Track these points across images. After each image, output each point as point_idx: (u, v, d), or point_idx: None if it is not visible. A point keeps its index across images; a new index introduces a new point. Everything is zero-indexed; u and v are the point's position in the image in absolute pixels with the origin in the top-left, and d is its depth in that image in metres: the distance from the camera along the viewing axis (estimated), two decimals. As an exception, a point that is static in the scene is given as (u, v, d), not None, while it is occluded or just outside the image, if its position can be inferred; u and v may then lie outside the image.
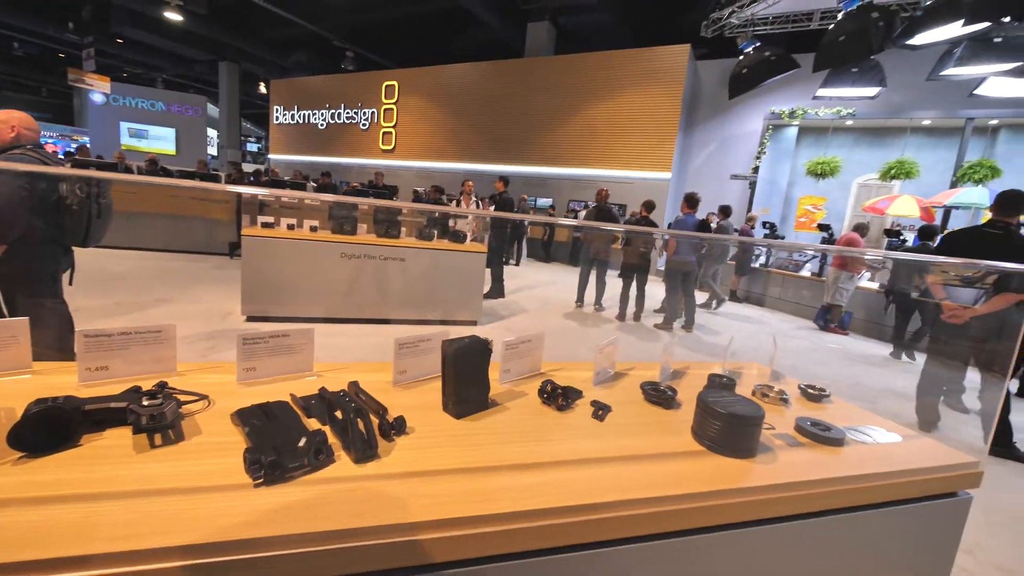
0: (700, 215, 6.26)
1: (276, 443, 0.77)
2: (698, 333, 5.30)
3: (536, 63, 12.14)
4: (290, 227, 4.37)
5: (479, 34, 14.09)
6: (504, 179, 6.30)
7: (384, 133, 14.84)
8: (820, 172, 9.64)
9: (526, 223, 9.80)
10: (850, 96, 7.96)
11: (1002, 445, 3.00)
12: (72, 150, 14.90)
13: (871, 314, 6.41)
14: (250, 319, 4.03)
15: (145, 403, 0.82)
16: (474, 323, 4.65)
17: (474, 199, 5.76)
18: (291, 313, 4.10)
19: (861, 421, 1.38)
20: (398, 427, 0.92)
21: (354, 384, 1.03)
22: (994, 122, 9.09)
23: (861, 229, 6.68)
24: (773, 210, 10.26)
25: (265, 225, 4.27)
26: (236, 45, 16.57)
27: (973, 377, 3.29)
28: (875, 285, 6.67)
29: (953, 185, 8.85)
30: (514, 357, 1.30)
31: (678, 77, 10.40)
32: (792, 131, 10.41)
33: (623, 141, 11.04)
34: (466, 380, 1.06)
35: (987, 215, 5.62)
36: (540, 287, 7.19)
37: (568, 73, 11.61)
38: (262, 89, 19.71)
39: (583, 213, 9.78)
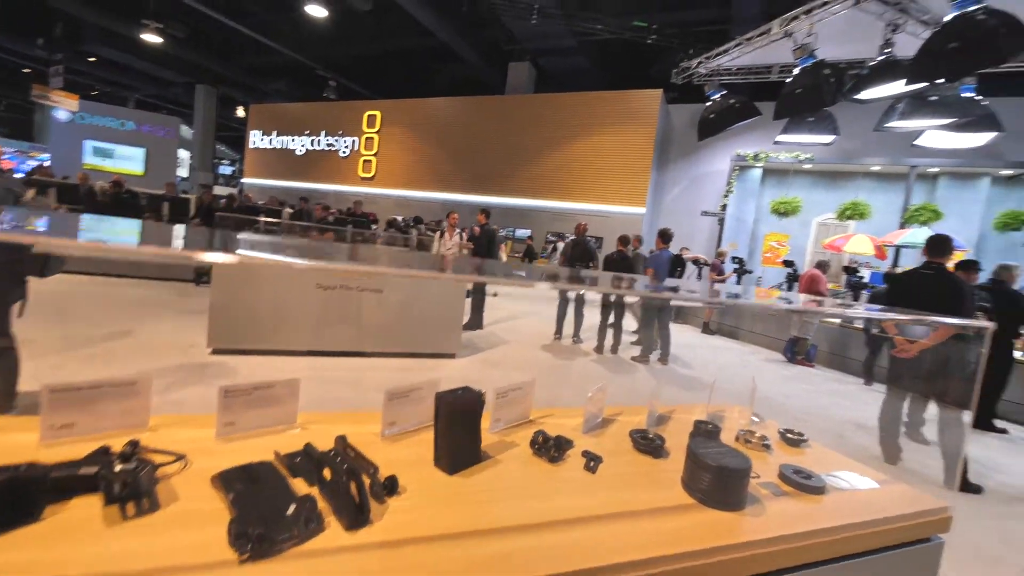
0: (674, 249, 6.48)
1: (263, 512, 0.73)
2: (674, 366, 5.38)
3: (517, 100, 12.59)
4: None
5: (462, 70, 14.53)
6: (486, 211, 6.35)
7: (364, 161, 14.88)
8: (783, 211, 10.16)
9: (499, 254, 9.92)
10: (807, 143, 8.51)
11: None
12: (31, 168, 14.27)
13: (835, 347, 6.66)
14: (217, 352, 3.85)
15: (118, 468, 0.77)
16: (452, 356, 4.59)
17: (458, 232, 5.79)
18: (263, 346, 3.95)
19: (837, 466, 1.42)
20: (390, 487, 0.88)
21: (342, 439, 0.99)
22: (935, 169, 9.85)
23: (822, 266, 7.03)
24: (741, 245, 10.69)
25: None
26: (215, 69, 16.50)
27: (932, 409, 3.43)
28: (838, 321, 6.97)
29: (901, 226, 9.46)
30: (505, 406, 1.28)
31: (651, 119, 10.93)
32: (757, 172, 10.99)
33: (600, 176, 11.43)
34: (459, 434, 1.04)
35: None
36: (518, 318, 7.20)
37: (548, 111, 12.06)
38: (240, 112, 19.57)
39: (560, 245, 9.91)
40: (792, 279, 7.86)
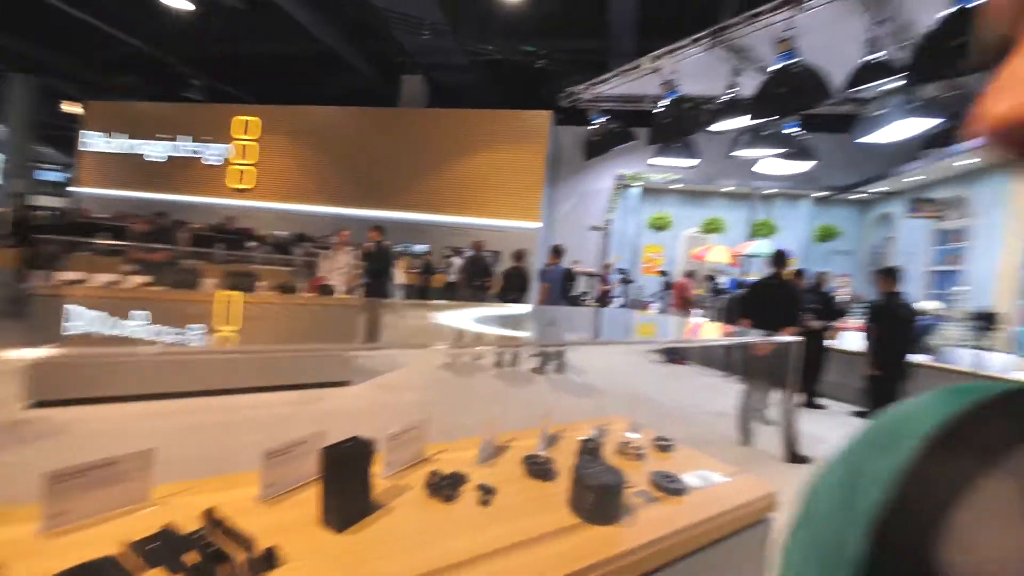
0: (566, 263, 6.89)
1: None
2: (569, 375, 5.68)
3: (412, 114, 12.44)
4: (109, 284, 3.65)
5: (353, 79, 13.96)
6: (380, 227, 6.10)
7: (238, 171, 13.48)
8: (658, 226, 11.37)
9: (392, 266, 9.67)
10: (675, 165, 9.65)
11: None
12: None
13: (705, 347, 7.58)
14: (38, 405, 3.11)
15: None
16: (346, 383, 4.34)
17: (350, 250, 5.47)
18: (100, 391, 3.27)
19: (698, 465, 1.63)
20: (268, 562, 0.83)
21: (209, 513, 0.90)
22: (771, 190, 11.80)
23: (690, 275, 8.00)
24: (625, 258, 11.71)
25: (70, 283, 3.50)
26: (38, 57, 13.79)
27: (775, 395, 4.08)
28: (705, 320, 7.95)
29: (750, 238, 11.14)
30: (397, 448, 1.26)
31: (542, 138, 11.54)
32: (636, 190, 12.16)
33: (496, 192, 11.72)
34: (348, 488, 1.00)
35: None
36: (417, 337, 7.05)
37: (443, 125, 12.09)
38: (69, 109, 16.41)
39: (457, 260, 9.84)
40: (667, 286, 8.80)
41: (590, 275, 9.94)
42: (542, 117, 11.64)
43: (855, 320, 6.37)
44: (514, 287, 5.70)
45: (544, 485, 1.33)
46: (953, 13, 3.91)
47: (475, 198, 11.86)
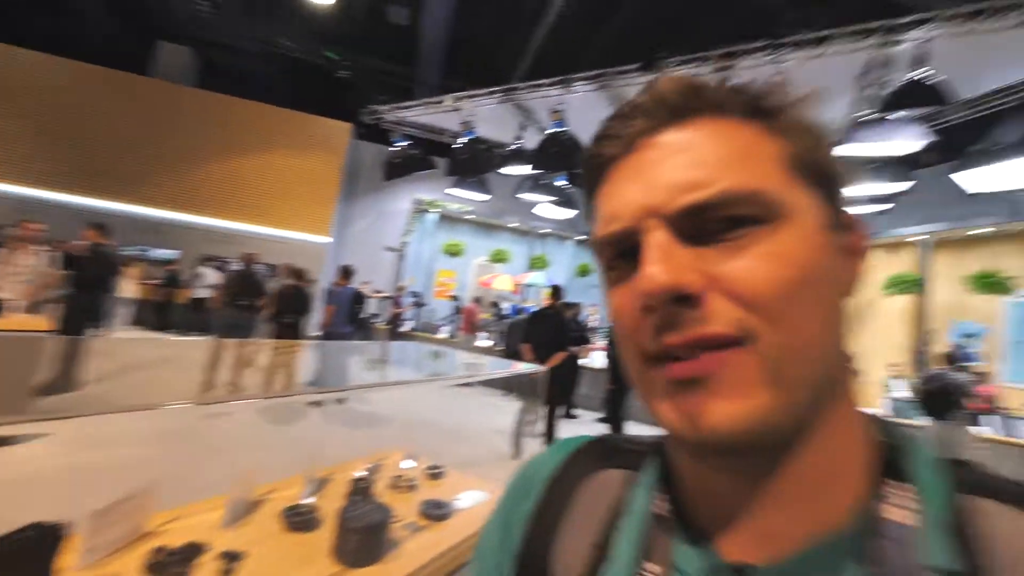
0: (355, 284, 6.60)
1: None
2: (352, 404, 5.39)
3: (170, 89, 10.12)
4: None
5: (77, 24, 10.64)
6: (100, 226, 4.51)
7: None
8: (452, 252, 12.01)
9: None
10: (470, 198, 10.45)
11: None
12: None
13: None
14: None
15: None
16: (27, 439, 3.14)
17: (43, 251, 3.96)
18: None
19: (467, 487, 1.79)
20: None
21: None
22: (547, 230, 13.87)
23: (478, 300, 8.68)
24: (418, 280, 11.93)
25: None
26: None
27: (543, 410, 4.73)
28: (491, 343, 8.70)
29: (529, 270, 12.79)
30: (104, 528, 1.01)
31: (340, 149, 10.94)
32: (434, 216, 12.60)
33: (279, 198, 10.49)
34: (11, 598, 0.76)
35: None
36: (150, 368, 5.63)
37: (215, 112, 10.23)
38: None
39: (212, 273, 8.01)
40: (457, 311, 9.33)
41: (382, 297, 9.77)
42: (341, 128, 11.08)
43: (601, 342, 7.95)
44: (290, 308, 5.13)
45: (306, 537, 1.26)
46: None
47: (252, 202, 10.34)
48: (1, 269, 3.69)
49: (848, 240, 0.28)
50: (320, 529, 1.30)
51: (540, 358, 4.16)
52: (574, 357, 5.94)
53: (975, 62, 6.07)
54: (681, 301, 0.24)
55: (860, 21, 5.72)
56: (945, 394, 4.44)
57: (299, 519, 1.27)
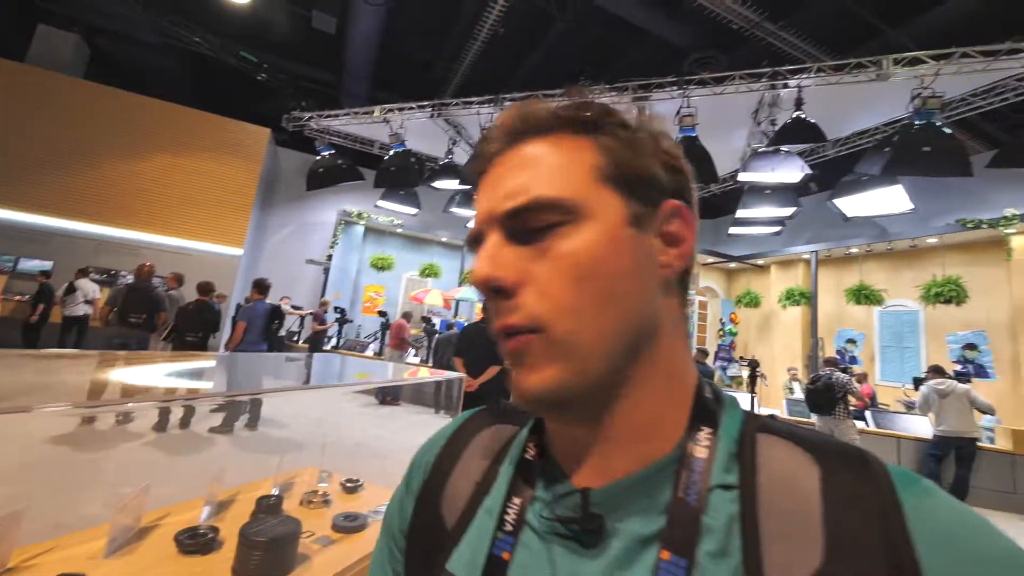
0: (273, 299, 6.20)
1: None
2: (265, 429, 5.00)
3: (50, 79, 8.97)
4: None
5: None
6: None
7: None
8: (380, 266, 11.68)
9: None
10: (399, 211, 10.27)
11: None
12: None
13: (415, 386, 8.08)
14: None
15: None
16: None
17: None
18: None
19: (385, 499, 1.76)
20: None
21: None
22: (477, 246, 13.98)
23: (407, 316, 8.50)
24: (344, 295, 11.43)
25: None
26: None
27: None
28: (419, 359, 8.52)
29: (460, 284, 12.76)
30: (-50, 564, 0.89)
31: (256, 156, 10.31)
32: (360, 228, 12.20)
33: (187, 206, 9.63)
34: None
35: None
36: (28, 392, 4.88)
37: (110, 108, 9.22)
38: None
39: (89, 286, 6.89)
40: (385, 327, 9.06)
41: (303, 314, 9.25)
42: (260, 133, 10.47)
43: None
44: (194, 326, 4.70)
45: (203, 560, 1.18)
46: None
47: (154, 210, 9.39)
48: None
49: (668, 229, 0.33)
50: (221, 550, 1.22)
51: (472, 373, 4.15)
52: (507, 371, 6.00)
53: (843, 108, 7.15)
54: (499, 292, 0.31)
55: (753, 66, 6.53)
56: (828, 392, 5.03)
57: (195, 542, 1.19)
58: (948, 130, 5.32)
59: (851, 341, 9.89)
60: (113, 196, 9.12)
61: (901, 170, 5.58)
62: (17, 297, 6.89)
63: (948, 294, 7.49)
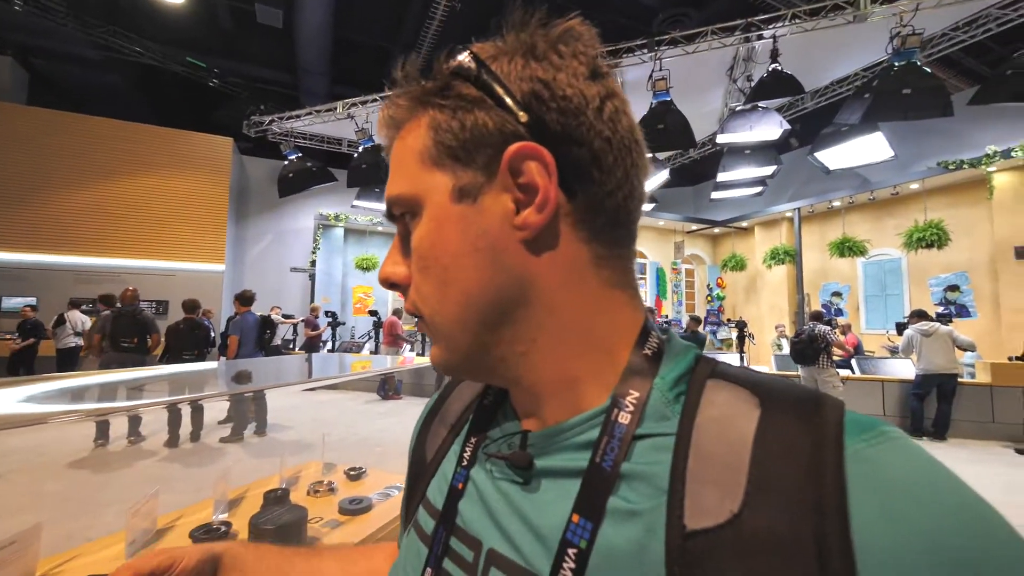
0: (262, 309, 6.21)
1: None
2: (273, 435, 5.09)
3: (-3, 109, 8.67)
4: None
5: None
6: None
7: None
8: (365, 266, 11.64)
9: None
10: (377, 209, 10.18)
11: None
12: None
13: (416, 378, 8.17)
14: None
15: None
16: None
17: None
18: None
19: (388, 482, 1.85)
20: None
21: None
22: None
23: (398, 313, 8.53)
24: (333, 299, 11.39)
25: None
26: None
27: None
28: (414, 354, 8.59)
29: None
30: (-19, 577, 0.95)
31: (223, 167, 10.13)
32: (340, 231, 12.09)
33: (159, 227, 9.48)
34: None
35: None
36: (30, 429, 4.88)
37: (59, 134, 8.95)
38: None
39: (76, 316, 6.80)
40: (377, 326, 9.09)
41: (295, 322, 9.25)
42: (222, 144, 10.25)
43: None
44: (186, 345, 4.75)
45: (219, 552, 1.25)
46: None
47: (124, 234, 9.24)
48: None
49: (522, 181, 0.29)
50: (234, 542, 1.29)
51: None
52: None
53: (820, 56, 6.94)
54: (395, 287, 0.34)
55: (726, 21, 6.29)
56: (811, 343, 5.14)
57: (209, 536, 1.26)
58: (928, 69, 5.18)
59: (836, 294, 10.07)
60: (82, 224, 8.96)
61: (882, 115, 5.44)
62: (8, 337, 6.80)
63: (930, 238, 7.47)
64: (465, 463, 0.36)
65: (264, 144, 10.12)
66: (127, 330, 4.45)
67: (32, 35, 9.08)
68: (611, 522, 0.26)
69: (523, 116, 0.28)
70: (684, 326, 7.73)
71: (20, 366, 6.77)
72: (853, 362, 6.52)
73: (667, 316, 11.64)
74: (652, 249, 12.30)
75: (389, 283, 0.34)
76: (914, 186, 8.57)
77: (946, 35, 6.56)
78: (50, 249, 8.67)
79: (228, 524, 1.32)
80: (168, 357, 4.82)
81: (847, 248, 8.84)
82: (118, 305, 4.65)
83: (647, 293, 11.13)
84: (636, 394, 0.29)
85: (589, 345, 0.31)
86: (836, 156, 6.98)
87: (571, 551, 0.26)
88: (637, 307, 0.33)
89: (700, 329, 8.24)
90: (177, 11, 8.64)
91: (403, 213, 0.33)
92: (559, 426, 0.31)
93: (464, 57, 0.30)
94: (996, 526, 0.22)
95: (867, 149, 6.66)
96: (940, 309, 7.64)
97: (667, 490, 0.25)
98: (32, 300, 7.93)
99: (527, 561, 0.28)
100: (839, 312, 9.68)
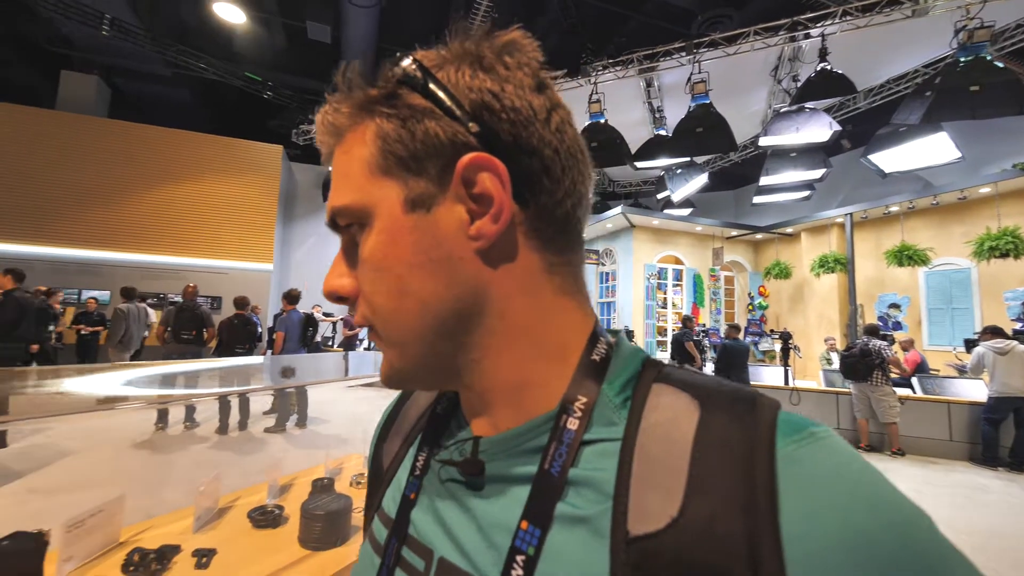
0: (305, 307, 6.50)
1: None
2: (313, 428, 5.33)
3: (79, 121, 9.57)
4: None
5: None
6: (13, 271, 4.24)
7: None
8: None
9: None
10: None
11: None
12: None
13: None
14: None
15: None
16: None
17: None
18: None
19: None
20: None
21: None
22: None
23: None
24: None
25: None
26: None
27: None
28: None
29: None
30: (80, 538, 1.10)
31: (273, 173, 10.73)
32: (380, 232, 12.53)
33: (215, 228, 10.13)
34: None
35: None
36: (95, 413, 5.33)
37: (136, 144, 9.76)
38: None
39: (130, 308, 7.28)
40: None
41: (334, 320, 9.67)
42: (273, 151, 10.88)
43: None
44: (238, 339, 5.07)
45: (273, 532, 1.37)
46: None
47: (185, 235, 9.94)
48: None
49: (476, 191, 0.29)
50: (287, 525, 1.41)
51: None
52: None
53: (874, 53, 6.53)
54: (342, 300, 0.33)
55: (769, 20, 5.99)
56: (863, 359, 4.79)
57: (265, 518, 1.38)
58: (1000, 64, 4.74)
59: (895, 306, 9.15)
60: (149, 225, 9.69)
61: (947, 114, 4.99)
62: (82, 327, 7.36)
63: (1005, 247, 6.68)
64: (418, 472, 0.36)
65: (311, 150, 10.66)
66: (188, 323, 4.81)
67: (115, 56, 9.97)
68: (559, 528, 0.26)
69: (474, 127, 0.28)
70: (723, 335, 7.50)
71: (85, 354, 7.37)
72: (914, 380, 5.99)
73: (704, 324, 11.32)
74: (689, 255, 12.01)
75: (336, 296, 0.32)
76: (985, 190, 7.71)
77: (1021, 26, 6.07)
78: (122, 247, 9.44)
79: (280, 507, 1.44)
80: (220, 350, 5.14)
81: (906, 257, 8.04)
82: (180, 300, 5.02)
83: (684, 300, 10.83)
84: (584, 399, 0.29)
85: (541, 351, 0.31)
86: (894, 158, 6.47)
87: (519, 558, 0.26)
88: (587, 312, 0.33)
89: (739, 337, 7.89)
90: (238, 30, 9.28)
91: (349, 224, 0.31)
92: (510, 432, 0.31)
93: (409, 64, 0.29)
94: (916, 523, 0.23)
95: (929, 150, 6.14)
96: (1018, 326, 6.95)
97: (612, 496, 0.26)
98: (106, 295, 8.75)
99: (477, 569, 0.28)
100: (897, 325, 8.90)
